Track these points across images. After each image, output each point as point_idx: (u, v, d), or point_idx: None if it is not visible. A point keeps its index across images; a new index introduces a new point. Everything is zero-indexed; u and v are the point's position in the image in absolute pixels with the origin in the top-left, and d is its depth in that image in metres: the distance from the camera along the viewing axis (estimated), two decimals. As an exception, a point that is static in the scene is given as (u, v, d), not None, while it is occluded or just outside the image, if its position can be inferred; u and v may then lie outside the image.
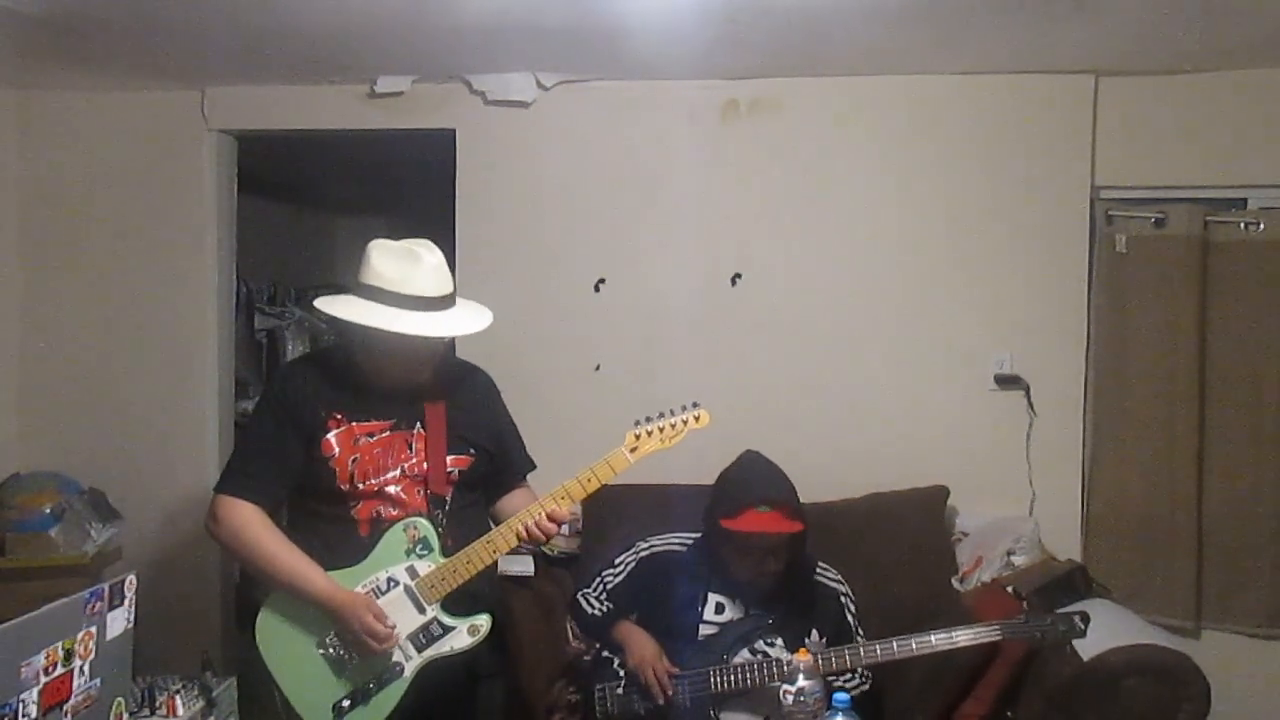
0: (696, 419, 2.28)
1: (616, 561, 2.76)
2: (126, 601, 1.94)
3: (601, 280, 3.72)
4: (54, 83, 3.77)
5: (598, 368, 3.72)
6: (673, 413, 2.28)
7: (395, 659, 2.21)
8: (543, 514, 2.22)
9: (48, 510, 3.52)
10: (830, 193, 3.64)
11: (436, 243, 2.28)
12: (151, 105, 3.84)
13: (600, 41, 3.21)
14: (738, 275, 3.67)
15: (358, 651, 2.20)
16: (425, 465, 2.27)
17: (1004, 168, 3.56)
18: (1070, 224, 3.55)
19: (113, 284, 3.88)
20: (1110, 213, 3.54)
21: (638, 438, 2.26)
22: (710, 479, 2.77)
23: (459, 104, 3.73)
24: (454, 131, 3.75)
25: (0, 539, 3.51)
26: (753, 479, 2.57)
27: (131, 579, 1.96)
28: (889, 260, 3.62)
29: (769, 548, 2.51)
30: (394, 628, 2.19)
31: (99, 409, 3.87)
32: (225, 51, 3.38)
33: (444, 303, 2.21)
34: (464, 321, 2.25)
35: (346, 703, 2.20)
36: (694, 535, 2.73)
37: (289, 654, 2.25)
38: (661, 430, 2.26)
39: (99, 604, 1.86)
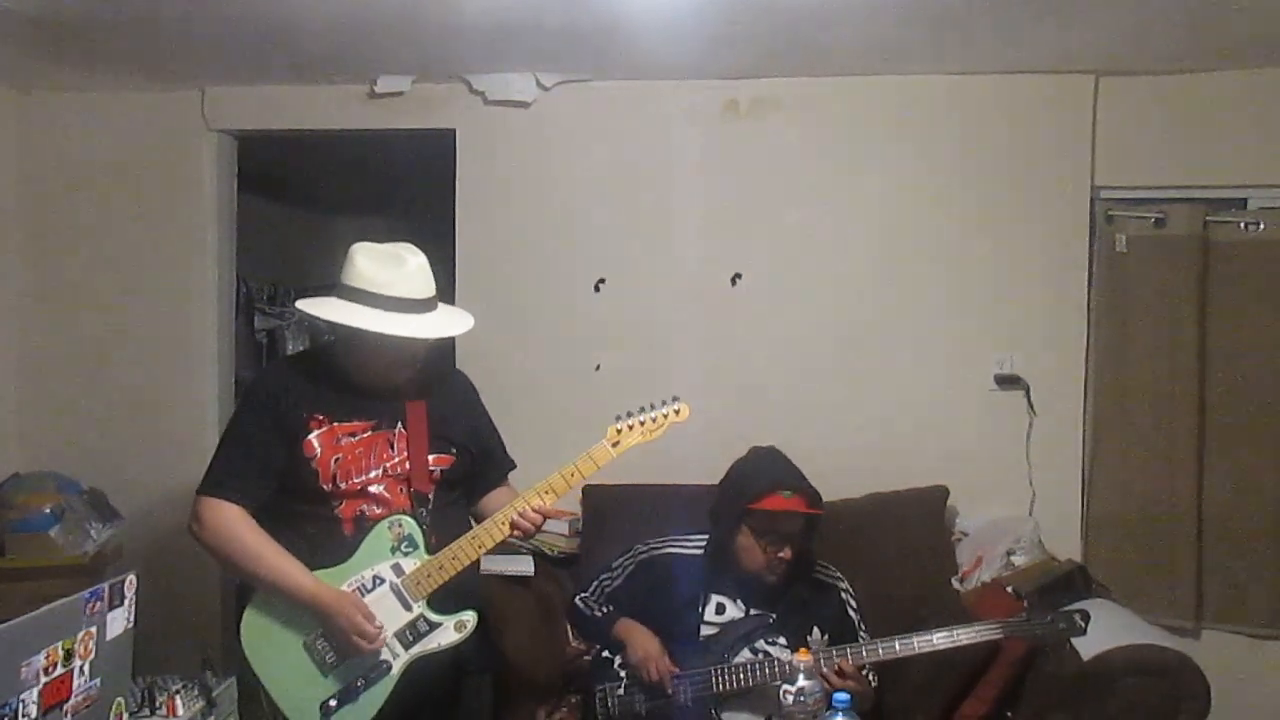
0: (677, 412, 2.31)
1: (614, 565, 2.76)
2: (126, 601, 1.94)
3: (601, 280, 3.71)
4: (54, 83, 3.77)
5: (598, 368, 3.71)
6: (653, 406, 2.31)
7: (382, 657, 2.22)
8: (527, 508, 2.24)
9: (48, 510, 3.52)
10: (830, 192, 3.64)
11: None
12: (151, 105, 3.84)
13: (600, 41, 3.21)
14: (738, 275, 3.67)
15: (345, 651, 2.20)
16: (408, 464, 2.28)
17: (1004, 168, 3.56)
18: (1070, 224, 3.55)
19: (112, 284, 3.88)
20: (1110, 213, 3.54)
21: (619, 431, 2.28)
22: (709, 480, 2.77)
23: (459, 104, 3.73)
24: (454, 131, 3.75)
25: (0, 539, 3.51)
26: (775, 467, 2.63)
27: (131, 579, 1.96)
28: (889, 260, 3.62)
29: (791, 532, 2.54)
30: (381, 626, 2.19)
31: (99, 409, 3.87)
32: (225, 51, 3.38)
33: (427, 305, 2.23)
34: (447, 324, 2.27)
35: (334, 702, 2.20)
36: (694, 536, 2.73)
37: (275, 654, 2.25)
38: (643, 424, 2.29)
39: (99, 604, 1.86)
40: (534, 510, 2.24)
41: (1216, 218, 3.48)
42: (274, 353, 5.42)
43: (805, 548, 2.61)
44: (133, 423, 3.85)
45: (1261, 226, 3.45)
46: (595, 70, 3.60)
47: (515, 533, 2.26)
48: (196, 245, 3.87)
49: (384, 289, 2.18)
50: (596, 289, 3.72)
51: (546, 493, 2.26)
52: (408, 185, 4.94)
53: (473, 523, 2.35)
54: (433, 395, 2.36)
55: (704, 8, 2.85)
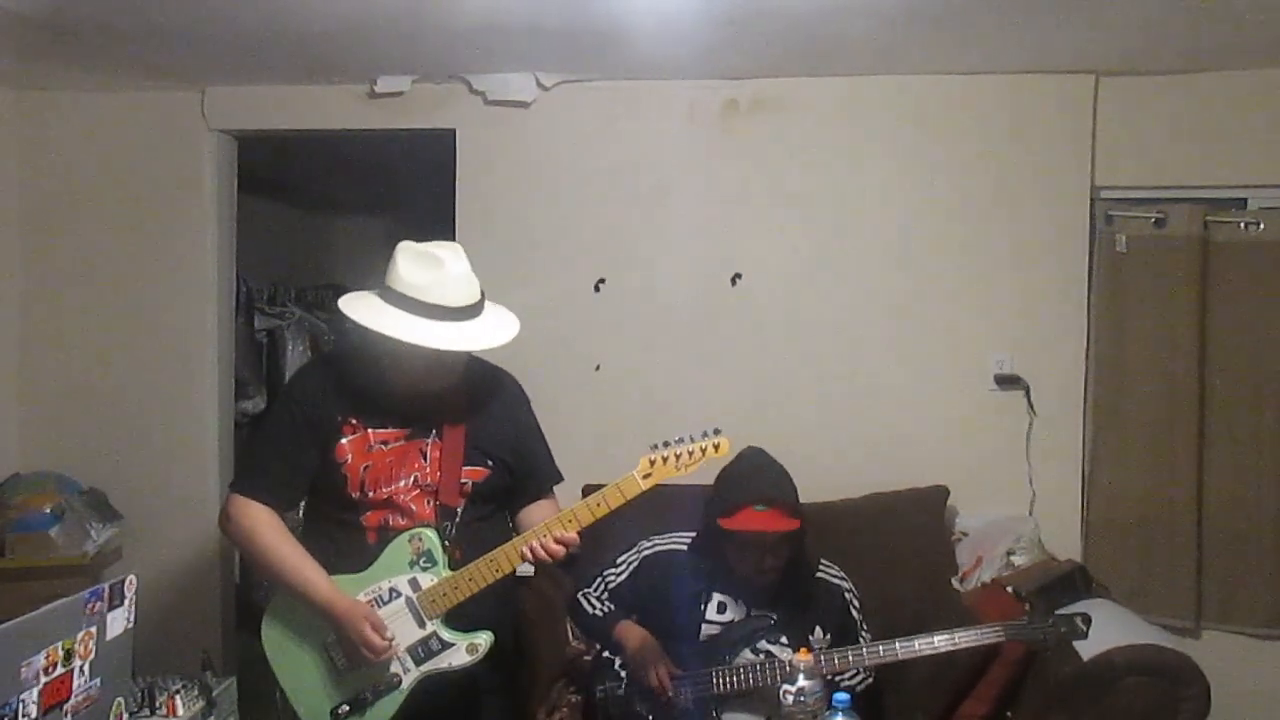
0: (716, 447, 2.19)
1: (618, 561, 2.75)
2: (126, 601, 1.94)
3: (601, 280, 3.71)
4: (54, 83, 3.77)
5: (598, 368, 3.71)
6: (692, 439, 2.19)
7: (393, 670, 2.20)
8: (550, 537, 2.17)
9: (48, 510, 3.52)
10: (830, 192, 3.64)
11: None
12: (151, 105, 3.84)
13: (600, 41, 3.21)
14: (738, 275, 3.67)
15: (354, 660, 2.19)
16: (438, 475, 2.24)
17: (1004, 168, 3.56)
18: (1070, 224, 3.54)
19: (113, 284, 3.88)
20: (1110, 213, 3.54)
21: (652, 463, 2.17)
22: (709, 480, 2.76)
23: (459, 104, 3.73)
24: (454, 131, 3.75)
25: (0, 539, 3.51)
26: (750, 477, 2.55)
27: (131, 579, 1.96)
28: (889, 260, 3.62)
29: (767, 546, 2.50)
30: (392, 639, 2.18)
31: (99, 409, 3.87)
32: (225, 51, 3.38)
33: (468, 312, 2.15)
34: (485, 334, 2.17)
35: (344, 709, 2.20)
36: (696, 534, 2.72)
37: (292, 655, 2.25)
38: (678, 457, 2.17)
39: (99, 604, 1.86)
40: (555, 541, 2.17)
41: (1216, 218, 3.48)
42: (274, 353, 5.41)
43: (792, 555, 2.57)
44: (133, 423, 3.85)
45: (1261, 226, 3.45)
46: (595, 70, 3.60)
47: (535, 560, 2.19)
48: (196, 245, 3.87)
49: (421, 294, 2.11)
50: (596, 289, 3.72)
51: (570, 522, 2.18)
52: (408, 185, 4.94)
53: (512, 534, 2.31)
54: (474, 404, 2.29)
55: (704, 8, 2.85)
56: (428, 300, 2.11)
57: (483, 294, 2.22)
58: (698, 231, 3.67)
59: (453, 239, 3.71)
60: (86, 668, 1.82)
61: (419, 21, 3.01)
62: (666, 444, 2.18)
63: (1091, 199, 3.55)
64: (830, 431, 3.59)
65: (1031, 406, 3.55)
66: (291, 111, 3.82)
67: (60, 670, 1.75)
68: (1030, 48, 3.27)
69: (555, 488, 2.47)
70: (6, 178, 3.86)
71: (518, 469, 2.36)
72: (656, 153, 3.69)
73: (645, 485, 2.17)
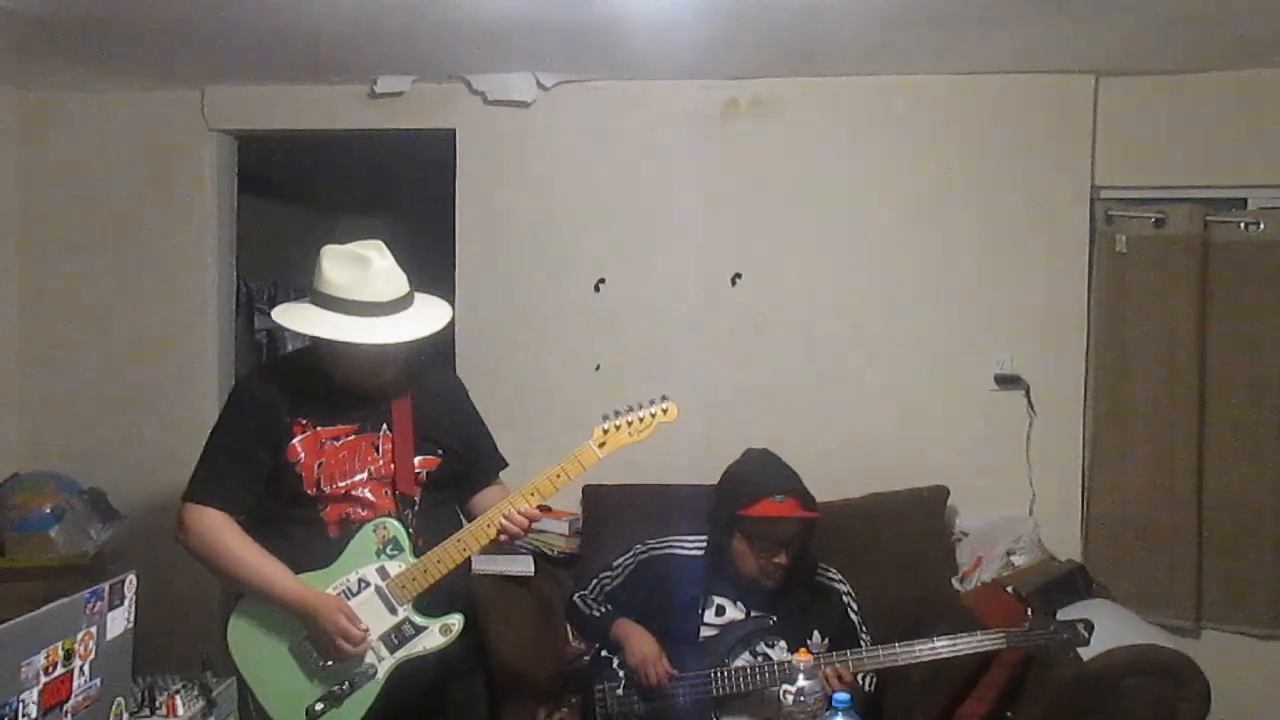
0: (665, 411, 2.28)
1: (615, 564, 2.76)
2: (126, 601, 1.94)
3: (601, 280, 3.71)
4: (54, 83, 3.77)
5: (598, 368, 3.71)
6: (641, 406, 2.27)
7: (368, 661, 2.20)
8: (513, 511, 2.21)
9: (48, 510, 3.52)
10: (830, 192, 3.64)
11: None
12: (151, 105, 3.84)
13: (600, 41, 3.20)
14: (738, 275, 3.67)
15: (330, 654, 2.19)
16: (393, 466, 2.26)
17: (1004, 168, 3.56)
18: (1070, 224, 3.54)
19: (112, 284, 3.88)
20: (1110, 213, 3.54)
21: (606, 432, 2.25)
22: (709, 479, 2.77)
23: (459, 104, 3.73)
24: (454, 131, 3.75)
25: (0, 539, 3.51)
26: (766, 471, 2.60)
27: (131, 579, 1.96)
28: (889, 260, 3.62)
29: (785, 537, 2.52)
30: (367, 630, 2.18)
31: (99, 409, 3.87)
32: (225, 51, 3.38)
33: (397, 306, 2.19)
34: (416, 324, 2.21)
35: (319, 706, 2.19)
36: (695, 536, 2.73)
37: (261, 658, 2.24)
38: (630, 424, 2.25)
39: (99, 604, 1.86)
40: (520, 514, 2.22)
41: (1216, 218, 3.48)
42: (274, 352, 5.42)
43: (802, 551, 2.60)
44: (133, 423, 3.85)
45: (1261, 226, 3.45)
46: (595, 70, 3.60)
47: (501, 536, 2.23)
48: (196, 245, 3.87)
49: (350, 293, 2.15)
50: (596, 289, 3.72)
51: (533, 495, 2.23)
52: (408, 185, 4.94)
53: (464, 522, 2.34)
54: (419, 395, 2.33)
55: (704, 8, 2.85)
56: (359, 299, 2.15)
57: (411, 285, 2.25)
58: (698, 231, 3.67)
59: (453, 239, 3.73)
60: (86, 668, 1.82)
61: (419, 21, 3.01)
62: (617, 413, 2.27)
63: (1091, 199, 3.55)
64: (830, 431, 3.58)
65: (1031, 406, 3.55)
66: (291, 111, 3.82)
67: (60, 670, 1.75)
68: (1030, 48, 3.27)
69: (505, 475, 2.50)
70: (6, 177, 3.86)
71: (466, 455, 2.40)
72: (656, 153, 3.69)
73: (601, 454, 2.25)
